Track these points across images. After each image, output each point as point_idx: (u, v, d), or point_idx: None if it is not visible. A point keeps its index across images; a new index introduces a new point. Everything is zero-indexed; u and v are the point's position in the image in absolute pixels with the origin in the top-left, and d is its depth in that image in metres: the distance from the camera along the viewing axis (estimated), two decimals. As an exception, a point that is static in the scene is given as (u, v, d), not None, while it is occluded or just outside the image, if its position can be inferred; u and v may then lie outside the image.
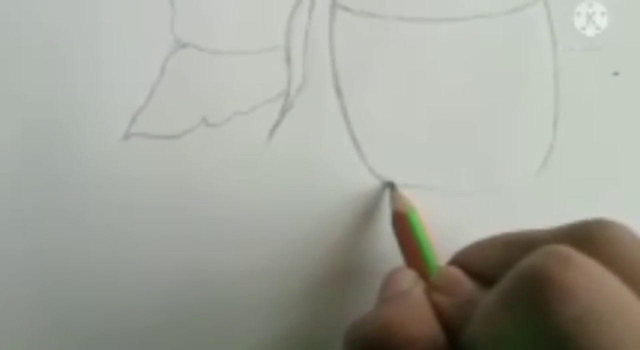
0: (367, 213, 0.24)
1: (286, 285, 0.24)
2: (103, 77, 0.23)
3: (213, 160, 0.23)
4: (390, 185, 0.24)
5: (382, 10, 0.24)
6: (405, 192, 0.24)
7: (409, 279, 0.20)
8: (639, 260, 0.16)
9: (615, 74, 0.25)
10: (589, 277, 0.14)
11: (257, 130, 0.24)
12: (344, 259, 0.24)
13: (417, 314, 0.18)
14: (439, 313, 0.18)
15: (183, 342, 0.23)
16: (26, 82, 0.23)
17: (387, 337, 0.17)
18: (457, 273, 0.20)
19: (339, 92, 0.24)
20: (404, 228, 0.22)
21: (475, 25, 0.24)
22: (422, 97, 0.24)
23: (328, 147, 0.24)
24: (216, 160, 0.23)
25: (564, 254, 0.14)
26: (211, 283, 0.23)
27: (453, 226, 0.24)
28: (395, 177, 0.24)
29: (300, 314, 0.24)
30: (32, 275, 0.23)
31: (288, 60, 0.24)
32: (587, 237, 0.17)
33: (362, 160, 0.24)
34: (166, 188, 0.23)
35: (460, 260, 0.21)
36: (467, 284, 0.19)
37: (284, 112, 0.24)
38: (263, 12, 0.24)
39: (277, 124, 0.24)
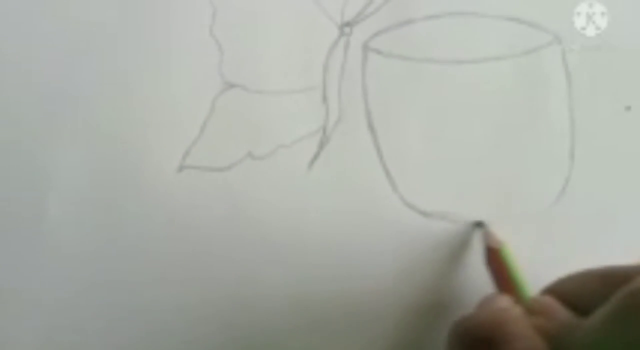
0: (399, 240, 0.25)
1: (321, 311, 0.25)
2: (160, 115, 0.25)
3: (259, 190, 0.25)
4: (479, 224, 0.25)
5: (410, 53, 0.26)
6: (435, 222, 0.25)
7: (506, 300, 0.21)
8: None
9: (628, 108, 0.27)
10: None
11: (298, 162, 0.25)
12: (373, 286, 0.25)
13: (521, 322, 0.19)
14: (538, 332, 0.19)
15: None
16: (91, 118, 0.25)
17: (495, 335, 0.18)
18: (551, 300, 0.21)
19: (371, 127, 0.26)
20: (499, 262, 0.23)
21: (496, 66, 0.26)
22: (447, 132, 0.26)
23: (362, 178, 0.25)
24: (261, 190, 0.25)
25: None
26: (255, 302, 0.25)
27: (475, 252, 0.25)
28: (425, 206, 0.25)
29: (329, 331, 0.25)
30: (96, 302, 0.24)
31: (325, 99, 0.26)
32: None
33: (394, 190, 0.25)
34: (216, 214, 0.25)
35: (554, 290, 0.22)
36: (562, 310, 0.20)
37: (322, 145, 0.25)
38: (302, 55, 0.26)
39: (316, 156, 0.25)
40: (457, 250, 0.25)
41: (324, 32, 0.26)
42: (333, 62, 0.26)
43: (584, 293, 0.21)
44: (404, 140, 0.26)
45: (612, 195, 0.26)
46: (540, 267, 0.25)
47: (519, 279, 0.23)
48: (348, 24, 0.26)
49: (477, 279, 0.25)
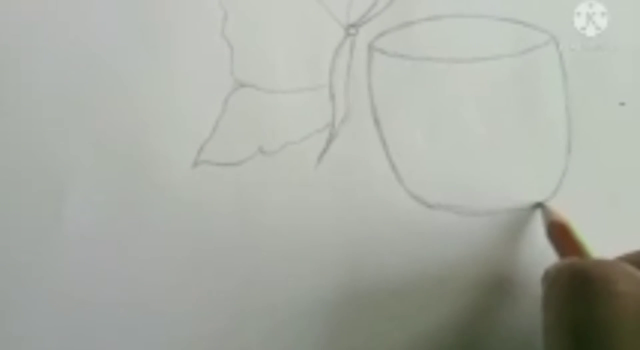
0: (406, 230, 0.26)
1: (331, 299, 0.26)
2: (175, 114, 0.26)
3: (269, 183, 0.26)
4: (540, 204, 0.26)
5: (413, 53, 0.27)
6: (436, 212, 0.26)
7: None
8: None
9: (622, 104, 0.28)
10: None
11: (307, 157, 0.26)
12: (382, 276, 0.26)
13: (628, 266, 0.19)
14: None
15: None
16: (110, 117, 0.26)
17: (606, 274, 0.18)
18: (626, 264, 0.20)
19: (377, 123, 0.27)
20: (564, 236, 0.24)
21: (494, 64, 0.27)
22: (449, 128, 0.27)
23: (369, 171, 0.26)
24: (272, 183, 0.26)
25: None
26: (262, 291, 0.26)
27: (474, 242, 0.26)
28: (428, 197, 0.26)
29: (337, 321, 0.26)
30: (105, 294, 0.25)
31: (332, 96, 0.27)
32: None
33: (399, 182, 0.26)
34: (229, 207, 0.25)
35: (629, 259, 0.22)
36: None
37: (329, 141, 0.26)
38: (310, 55, 0.27)
39: (324, 151, 0.26)
40: (460, 240, 0.26)
41: (330, 34, 0.27)
42: (340, 62, 0.27)
43: None
44: (408, 135, 0.27)
45: (608, 188, 0.27)
46: (539, 258, 0.26)
47: (589, 248, 0.23)
48: (353, 26, 0.27)
49: (480, 268, 0.26)
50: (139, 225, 0.25)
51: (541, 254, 0.26)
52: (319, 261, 0.26)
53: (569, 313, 0.18)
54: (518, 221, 0.27)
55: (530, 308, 0.26)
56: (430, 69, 0.27)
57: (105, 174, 0.25)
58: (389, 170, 0.26)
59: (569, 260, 0.20)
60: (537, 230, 0.26)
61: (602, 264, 0.19)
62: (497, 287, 0.26)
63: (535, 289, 0.23)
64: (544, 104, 0.27)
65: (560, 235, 0.24)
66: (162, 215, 0.25)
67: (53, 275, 0.25)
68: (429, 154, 0.27)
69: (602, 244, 0.23)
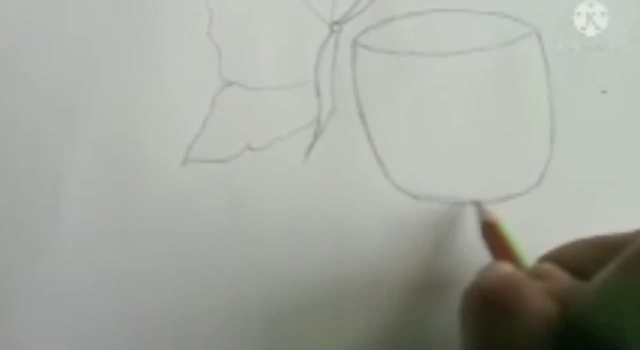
0: (392, 222, 0.27)
1: (320, 293, 0.26)
2: (164, 113, 0.26)
3: (258, 179, 0.26)
4: (476, 203, 0.27)
5: (396, 48, 0.27)
6: (422, 203, 0.27)
7: (507, 266, 0.22)
8: None
9: (604, 92, 0.28)
10: None
11: (295, 152, 0.27)
12: (371, 267, 0.26)
13: (531, 283, 0.19)
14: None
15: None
16: (100, 117, 0.26)
17: (511, 293, 0.18)
18: (552, 266, 0.22)
19: (362, 118, 0.27)
20: (496, 235, 0.25)
21: (476, 57, 0.28)
22: (433, 120, 0.27)
23: (355, 165, 0.27)
24: (260, 179, 0.26)
25: None
26: (254, 286, 0.26)
27: (460, 231, 0.27)
28: (413, 189, 0.27)
29: (328, 313, 0.26)
30: (101, 294, 0.26)
31: (318, 92, 0.27)
32: None
33: (386, 176, 0.27)
34: (219, 203, 0.26)
35: (551, 258, 0.23)
36: (564, 274, 0.21)
37: (316, 136, 0.27)
38: (295, 53, 0.27)
39: (311, 146, 0.27)
40: (446, 230, 0.27)
41: (315, 31, 0.28)
42: (324, 58, 0.27)
43: (578, 259, 0.22)
44: (393, 128, 0.27)
45: (591, 177, 0.28)
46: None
47: (519, 249, 0.24)
48: (337, 23, 0.28)
49: (466, 257, 0.26)
50: (130, 222, 0.26)
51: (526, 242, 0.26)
52: (307, 254, 0.26)
53: (474, 336, 0.19)
54: (502, 212, 0.27)
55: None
56: (413, 63, 0.28)
57: (97, 172, 0.26)
58: (374, 163, 0.27)
59: (472, 284, 0.20)
60: (522, 218, 0.27)
61: (503, 285, 0.19)
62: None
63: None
64: (527, 95, 0.28)
65: (492, 235, 0.25)
66: (153, 212, 0.26)
67: (49, 272, 0.26)
68: (414, 147, 0.27)
69: (586, 232, 0.23)
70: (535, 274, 0.22)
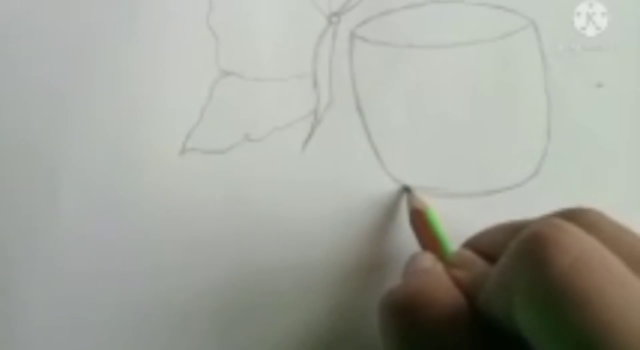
0: (387, 213, 0.27)
1: (318, 279, 0.26)
2: (162, 103, 0.26)
3: (256, 169, 0.26)
4: (407, 189, 0.27)
5: (394, 40, 0.28)
6: (419, 193, 0.27)
7: (429, 258, 0.23)
8: (613, 235, 0.19)
9: (600, 85, 0.28)
10: (577, 237, 0.17)
11: (292, 143, 0.27)
12: (368, 255, 0.27)
13: (440, 283, 0.20)
14: (458, 285, 0.20)
15: (227, 338, 0.26)
16: (98, 107, 0.26)
17: (416, 302, 0.19)
18: (469, 253, 0.23)
19: (360, 109, 0.27)
20: (422, 223, 0.25)
21: (473, 49, 0.28)
22: (430, 112, 0.27)
23: (352, 156, 0.27)
24: (258, 169, 0.26)
25: (556, 221, 0.17)
26: (251, 279, 0.26)
27: (455, 223, 0.26)
28: (410, 180, 0.27)
29: (328, 303, 0.26)
30: (100, 284, 0.26)
31: (315, 84, 0.27)
32: (572, 218, 0.19)
33: (382, 167, 0.27)
34: (218, 192, 0.26)
35: (471, 244, 0.24)
36: (478, 261, 0.22)
37: (313, 127, 0.27)
38: (294, 44, 0.27)
39: (309, 137, 0.27)
40: (442, 222, 0.27)
41: (313, 23, 0.28)
42: (322, 50, 0.28)
43: (495, 245, 0.22)
44: (390, 120, 0.27)
45: (587, 170, 0.28)
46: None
47: (442, 237, 0.24)
48: (335, 14, 0.28)
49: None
50: (128, 212, 0.26)
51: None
52: (304, 243, 0.26)
53: (391, 345, 0.20)
54: (497, 203, 0.27)
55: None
56: (411, 56, 0.28)
57: (97, 163, 0.26)
58: (371, 155, 0.27)
59: (385, 293, 0.20)
60: (518, 209, 0.27)
61: (413, 293, 0.20)
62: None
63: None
64: (524, 87, 0.28)
65: (419, 224, 0.25)
66: (152, 202, 0.26)
67: (47, 264, 0.26)
68: (411, 139, 0.27)
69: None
70: (453, 262, 0.23)
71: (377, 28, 0.28)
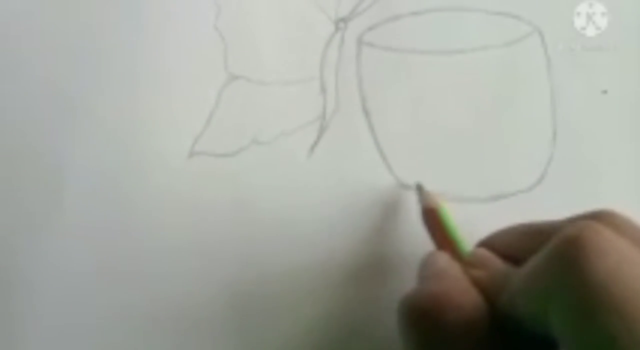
0: (394, 215, 0.27)
1: (324, 282, 0.26)
2: (170, 106, 0.27)
3: (263, 173, 0.26)
4: (419, 187, 0.26)
5: (401, 46, 0.28)
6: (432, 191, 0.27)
7: (444, 258, 0.23)
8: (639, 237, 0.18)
9: (604, 92, 0.29)
10: (615, 241, 0.17)
11: (299, 147, 0.27)
12: (375, 258, 0.27)
13: (460, 285, 0.20)
14: (476, 285, 0.20)
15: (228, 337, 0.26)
16: (108, 110, 0.26)
17: (436, 305, 0.19)
18: (486, 252, 0.22)
19: (366, 113, 0.28)
20: (435, 220, 0.25)
21: (480, 55, 0.28)
22: (436, 118, 0.28)
23: (359, 160, 0.27)
24: (266, 173, 0.27)
25: (593, 225, 0.17)
26: (258, 281, 0.26)
27: (462, 228, 0.26)
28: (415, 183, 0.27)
29: (338, 306, 0.26)
30: (105, 285, 0.26)
31: (323, 89, 0.28)
32: (601, 220, 0.19)
33: (389, 170, 0.27)
34: (225, 195, 0.26)
35: (487, 244, 0.23)
36: (497, 260, 0.22)
37: (321, 131, 0.27)
38: (301, 49, 0.28)
39: (316, 141, 0.27)
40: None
41: (321, 28, 0.28)
42: (330, 55, 0.28)
43: (512, 245, 0.22)
44: (397, 125, 0.28)
45: (592, 176, 0.28)
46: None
47: (457, 235, 0.24)
48: (343, 20, 0.28)
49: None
50: (137, 215, 0.26)
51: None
52: (312, 248, 0.26)
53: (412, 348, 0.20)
54: (503, 209, 0.27)
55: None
56: (417, 61, 0.28)
57: (104, 164, 0.26)
58: (378, 159, 0.27)
59: (404, 297, 0.21)
60: (524, 215, 0.27)
61: (432, 297, 0.20)
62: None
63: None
64: (530, 94, 0.28)
65: (432, 222, 0.25)
66: (159, 205, 0.26)
67: (53, 265, 0.26)
68: (418, 143, 0.28)
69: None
70: (470, 261, 0.22)
71: (384, 34, 0.28)
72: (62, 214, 0.26)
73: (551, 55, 0.28)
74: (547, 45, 0.28)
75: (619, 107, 0.29)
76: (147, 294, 0.26)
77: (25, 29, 0.27)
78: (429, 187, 0.27)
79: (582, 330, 0.16)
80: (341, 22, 0.28)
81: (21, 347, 0.25)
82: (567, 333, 0.16)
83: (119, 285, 0.26)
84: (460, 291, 0.20)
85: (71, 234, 0.26)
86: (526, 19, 0.28)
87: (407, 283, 0.26)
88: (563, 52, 0.28)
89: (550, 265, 0.17)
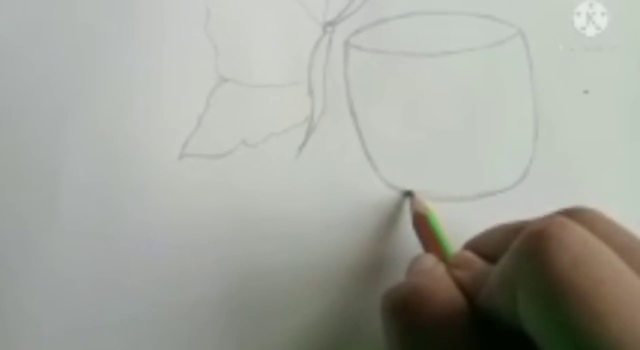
0: (381, 217, 0.27)
1: (313, 281, 0.27)
2: (161, 109, 0.27)
3: (252, 174, 0.27)
4: (409, 193, 0.27)
5: (387, 48, 0.28)
6: (421, 197, 0.28)
7: (431, 259, 0.24)
8: (609, 232, 0.19)
9: (586, 92, 0.29)
10: (578, 234, 0.17)
11: (288, 148, 0.27)
12: (362, 258, 0.27)
13: (440, 282, 0.21)
14: (459, 285, 0.21)
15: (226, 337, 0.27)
16: (99, 113, 0.27)
17: (415, 299, 0.20)
18: (469, 254, 0.23)
19: (353, 115, 0.28)
20: (424, 225, 0.26)
21: (464, 57, 0.29)
22: (422, 118, 0.28)
23: (346, 161, 0.28)
24: (255, 174, 0.27)
25: (558, 219, 0.18)
26: (246, 279, 0.27)
27: (448, 226, 0.27)
28: (401, 184, 0.28)
29: (325, 305, 0.27)
30: (99, 288, 0.26)
31: (311, 91, 0.28)
32: (571, 216, 0.20)
33: (375, 171, 0.28)
34: (214, 197, 0.27)
35: (471, 246, 0.24)
36: (478, 261, 0.22)
37: (309, 133, 0.28)
38: (290, 52, 0.28)
39: (304, 143, 0.28)
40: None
41: (308, 32, 0.28)
42: (317, 58, 0.28)
43: (492, 245, 0.23)
44: (383, 127, 0.28)
45: (573, 174, 0.29)
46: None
47: (443, 239, 0.25)
48: (330, 23, 0.29)
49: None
50: (129, 216, 0.27)
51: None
52: (300, 248, 0.27)
53: (393, 342, 0.20)
54: (489, 206, 0.28)
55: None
56: (403, 64, 0.28)
57: (95, 167, 0.27)
58: (365, 160, 0.28)
59: (386, 291, 0.21)
60: (506, 212, 0.28)
61: (413, 290, 0.20)
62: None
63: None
64: (512, 94, 0.29)
65: (422, 226, 0.26)
66: (151, 205, 0.27)
67: (46, 268, 0.26)
68: (403, 144, 0.28)
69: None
70: (454, 263, 0.23)
71: (371, 37, 0.29)
72: (56, 216, 0.26)
73: (535, 56, 0.29)
74: (529, 46, 0.29)
75: (600, 105, 0.29)
76: (141, 296, 0.26)
77: (16, 32, 0.27)
78: (416, 187, 0.28)
79: (545, 320, 0.16)
80: (329, 26, 0.29)
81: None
82: (532, 324, 0.17)
83: (112, 287, 0.26)
84: (441, 287, 0.20)
85: (65, 236, 0.26)
86: (509, 21, 0.29)
87: (392, 281, 0.27)
88: (547, 52, 0.29)
89: (516, 258, 0.18)
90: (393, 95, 0.28)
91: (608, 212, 0.22)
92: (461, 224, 0.27)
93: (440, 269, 0.23)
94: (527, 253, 0.17)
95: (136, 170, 0.27)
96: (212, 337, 0.26)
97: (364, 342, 0.27)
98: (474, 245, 0.24)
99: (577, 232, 0.17)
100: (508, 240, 0.20)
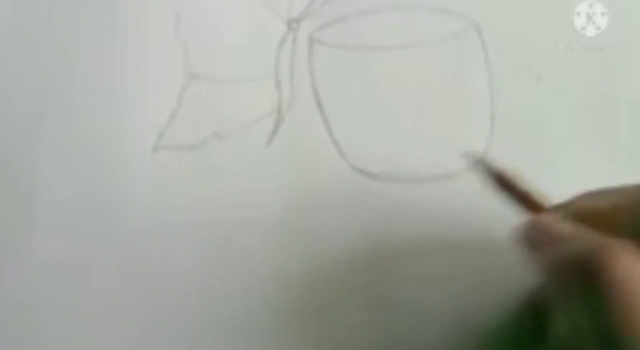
0: (348, 198, 0.28)
1: (288, 265, 0.28)
2: (135, 106, 0.29)
3: (224, 163, 0.28)
4: (481, 161, 0.27)
5: (350, 42, 0.30)
6: (378, 184, 0.29)
7: (560, 222, 0.22)
8: None
9: (539, 78, 0.30)
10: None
11: (257, 138, 0.29)
12: (330, 246, 0.28)
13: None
14: None
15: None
16: (76, 111, 0.28)
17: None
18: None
19: (320, 106, 0.29)
20: (510, 184, 0.25)
21: (423, 49, 0.30)
22: (384, 107, 0.30)
23: (314, 149, 0.29)
24: (226, 164, 0.28)
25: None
26: (215, 272, 0.28)
27: (416, 208, 0.28)
28: (368, 168, 0.29)
29: (300, 289, 0.28)
30: (75, 281, 0.27)
31: (278, 84, 0.30)
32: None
33: (343, 157, 0.29)
34: (188, 186, 0.28)
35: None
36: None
37: (277, 124, 0.29)
38: (257, 49, 0.30)
39: (273, 133, 0.29)
40: (402, 206, 0.29)
41: (274, 29, 0.30)
42: (284, 53, 0.30)
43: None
44: (348, 115, 0.29)
45: (528, 158, 0.29)
46: (475, 221, 0.29)
47: (534, 191, 0.25)
48: (295, 20, 0.30)
49: (420, 234, 0.28)
50: (105, 209, 0.28)
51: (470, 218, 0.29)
52: (270, 234, 0.28)
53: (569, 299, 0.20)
54: (450, 188, 0.29)
55: (476, 268, 0.28)
56: (365, 56, 0.30)
57: (72, 161, 0.28)
58: (332, 148, 0.29)
59: (530, 223, 0.22)
60: (464, 194, 0.29)
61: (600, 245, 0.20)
62: (443, 249, 0.28)
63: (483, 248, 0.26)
64: (470, 83, 0.30)
65: (509, 185, 0.25)
66: (127, 196, 0.28)
67: (24, 266, 0.27)
68: (368, 131, 0.29)
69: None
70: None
71: (334, 32, 0.30)
72: (33, 215, 0.27)
73: (489, 46, 0.30)
74: (484, 38, 0.30)
75: (553, 92, 0.30)
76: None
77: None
78: (380, 170, 0.29)
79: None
80: (294, 23, 0.30)
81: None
82: None
83: (89, 280, 0.27)
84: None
85: (44, 232, 0.27)
86: (466, 15, 0.31)
87: (361, 262, 0.28)
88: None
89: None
90: (356, 85, 0.30)
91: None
92: (420, 206, 0.28)
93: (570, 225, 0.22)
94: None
95: (112, 163, 0.28)
96: (179, 332, 0.27)
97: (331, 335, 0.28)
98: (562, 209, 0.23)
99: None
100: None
